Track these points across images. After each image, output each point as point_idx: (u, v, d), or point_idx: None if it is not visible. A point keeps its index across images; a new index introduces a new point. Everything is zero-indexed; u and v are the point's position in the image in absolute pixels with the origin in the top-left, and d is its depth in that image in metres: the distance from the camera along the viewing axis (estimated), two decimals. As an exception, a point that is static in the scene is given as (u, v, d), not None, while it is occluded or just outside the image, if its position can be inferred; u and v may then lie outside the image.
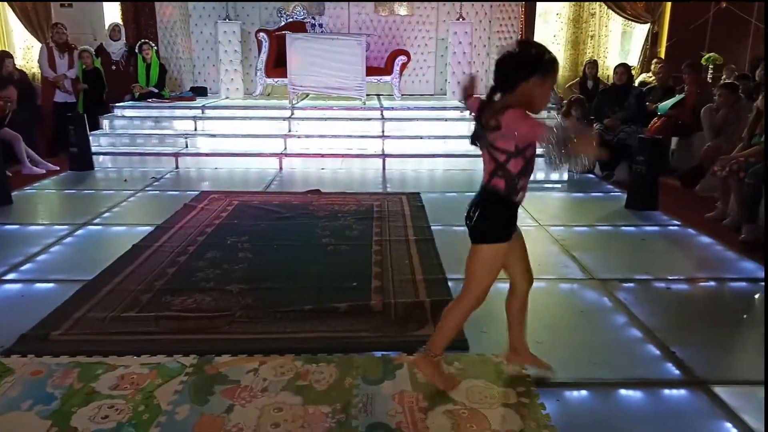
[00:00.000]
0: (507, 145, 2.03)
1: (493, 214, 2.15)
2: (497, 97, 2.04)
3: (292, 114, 7.33)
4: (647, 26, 8.75)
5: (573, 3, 8.94)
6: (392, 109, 7.55)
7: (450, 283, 3.30)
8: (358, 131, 7.07)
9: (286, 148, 6.80)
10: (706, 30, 8.82)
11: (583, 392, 2.33)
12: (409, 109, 7.57)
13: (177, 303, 3.02)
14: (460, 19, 7.97)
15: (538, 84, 1.99)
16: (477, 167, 6.56)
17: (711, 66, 7.65)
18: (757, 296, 3.31)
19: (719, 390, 2.32)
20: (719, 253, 3.97)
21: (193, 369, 2.39)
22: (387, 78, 8.31)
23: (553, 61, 2.02)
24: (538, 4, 9.06)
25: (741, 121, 5.14)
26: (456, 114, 7.46)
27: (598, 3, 8.79)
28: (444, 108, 7.60)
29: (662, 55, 8.65)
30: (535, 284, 3.37)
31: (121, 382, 2.29)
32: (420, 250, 3.89)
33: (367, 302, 3.04)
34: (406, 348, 2.58)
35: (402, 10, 8.74)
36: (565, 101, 7.43)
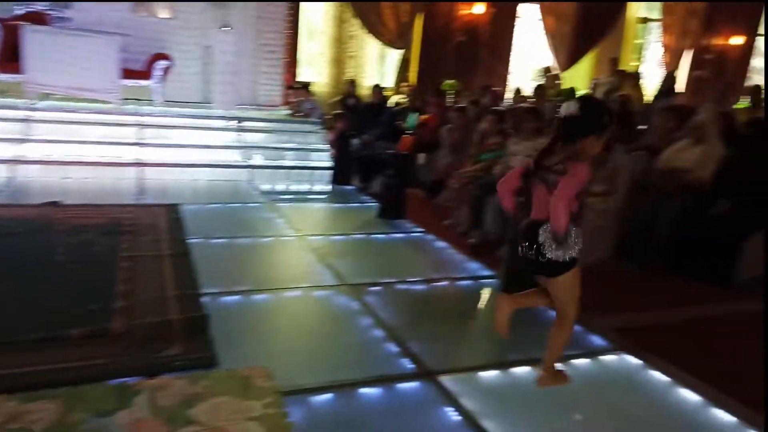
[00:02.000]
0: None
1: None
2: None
3: (31, 115, 6.44)
4: (401, 52, 9.61)
5: (335, 24, 9.41)
6: (152, 115, 7.09)
7: (206, 298, 3.21)
8: (111, 137, 6.48)
9: (21, 155, 5.93)
10: (448, 59, 10.01)
11: (329, 395, 2.44)
12: (171, 116, 7.19)
13: None
14: (227, 28, 7.83)
15: (595, 140, 2.23)
16: (241, 177, 6.61)
17: (451, 91, 8.69)
18: (484, 292, 3.80)
19: (444, 379, 2.62)
20: (452, 255, 4.51)
21: None
22: (147, 82, 7.78)
23: (609, 122, 2.27)
24: (301, 22, 9.33)
25: (471, 140, 5.91)
26: (221, 123, 7.31)
27: (356, 26, 9.38)
28: (209, 117, 7.39)
29: (413, 79, 9.57)
30: (290, 293, 3.48)
31: None
32: (175, 266, 3.70)
33: (107, 325, 2.79)
34: (149, 371, 2.44)
35: (162, 12, 8.27)
36: (327, 117, 7.77)
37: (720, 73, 11.93)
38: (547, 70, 10.39)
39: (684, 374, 2.76)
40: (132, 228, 4.37)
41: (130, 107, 7.25)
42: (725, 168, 4.52)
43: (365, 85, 8.42)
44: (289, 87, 8.75)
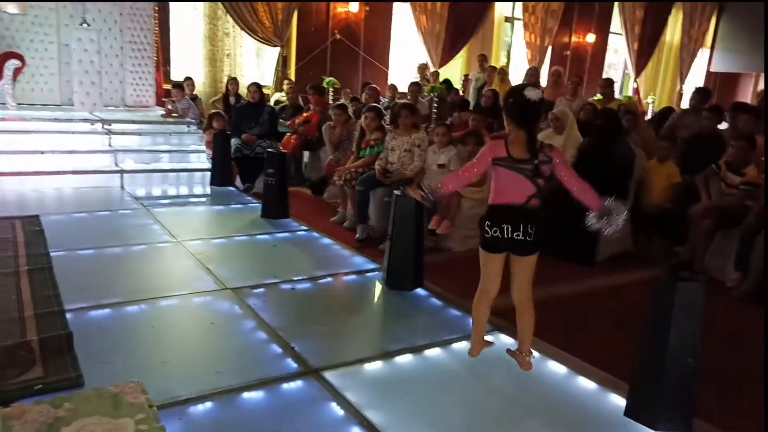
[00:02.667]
0: (546, 174, 2.49)
1: (541, 225, 2.52)
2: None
3: None
4: (278, 49, 9.45)
5: (208, 22, 9.07)
6: (3, 119, 6.45)
7: (69, 315, 2.97)
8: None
9: None
10: (327, 57, 10.03)
11: (208, 404, 2.35)
12: (26, 120, 6.59)
13: None
14: (84, 25, 7.30)
15: None
16: (112, 183, 6.20)
17: (331, 89, 8.70)
18: (377, 285, 3.84)
19: (328, 374, 2.62)
20: (337, 251, 4.52)
21: None
22: (-5, 84, 7.07)
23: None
24: (172, 18, 8.90)
25: (352, 136, 5.96)
26: (85, 126, 6.81)
27: (231, 23, 9.11)
28: (71, 120, 6.85)
29: (292, 77, 9.47)
30: (166, 302, 3.33)
31: None
32: (33, 282, 3.40)
33: (-49, 353, 2.51)
34: (4, 399, 2.23)
35: (11, 7, 7.53)
36: (203, 117, 7.49)
37: (577, 67, 12.98)
38: (423, 67, 10.71)
39: (552, 348, 2.97)
40: (-18, 244, 3.96)
41: (-23, 112, 6.57)
42: (582, 155, 4.91)
43: (243, 83, 8.20)
44: (164, 88, 8.34)
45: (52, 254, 3.87)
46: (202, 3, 9.09)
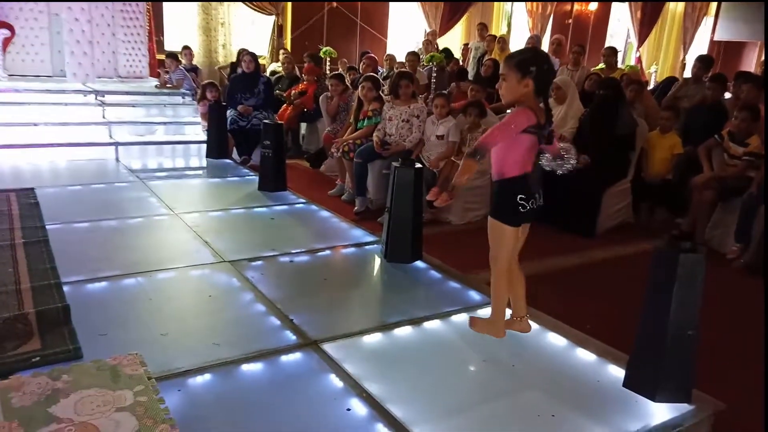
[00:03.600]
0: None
1: None
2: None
3: None
4: (273, 18, 9.28)
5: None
6: (-5, 91, 6.36)
7: (66, 288, 2.95)
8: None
9: None
10: (323, 26, 9.85)
11: (207, 376, 2.34)
12: (18, 91, 6.48)
13: None
14: (75, -8, 7.14)
15: None
16: (107, 156, 6.13)
17: (328, 58, 8.56)
18: (375, 258, 3.81)
19: (327, 346, 2.61)
20: (336, 224, 4.48)
21: None
22: (-15, 55, 6.95)
23: None
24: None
25: (349, 108, 5.88)
26: (78, 98, 6.71)
27: (226, -9, 8.95)
28: (63, 91, 6.74)
29: (288, 47, 9.31)
30: (163, 275, 3.31)
31: None
32: (29, 255, 3.37)
33: (-53, 326, 2.49)
34: (2, 371, 2.21)
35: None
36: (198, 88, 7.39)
37: (578, 36, 12.79)
38: (424, 36, 10.54)
39: (551, 320, 2.96)
40: (-23, 217, 3.93)
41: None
42: (584, 126, 4.85)
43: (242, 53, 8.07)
44: (158, 59, 8.19)
45: (47, 227, 3.83)
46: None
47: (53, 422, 1.96)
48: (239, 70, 7.71)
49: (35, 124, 6.04)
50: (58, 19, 7.45)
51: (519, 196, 2.41)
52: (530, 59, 2.38)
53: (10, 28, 7.10)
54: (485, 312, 2.89)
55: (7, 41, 7.05)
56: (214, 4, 8.91)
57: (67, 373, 2.24)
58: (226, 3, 8.92)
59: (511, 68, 2.37)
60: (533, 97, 2.37)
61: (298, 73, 7.77)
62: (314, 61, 7.34)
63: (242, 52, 7.93)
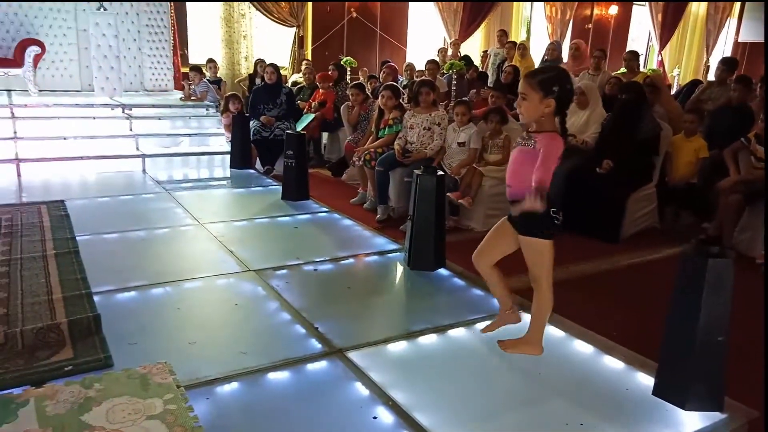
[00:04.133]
0: None
1: None
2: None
3: None
4: (294, 29, 9.39)
5: (224, 3, 9.03)
6: (26, 106, 6.53)
7: (96, 298, 3.01)
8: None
9: None
10: (343, 36, 9.94)
11: (234, 384, 2.37)
12: (48, 106, 6.66)
13: None
14: (101, 9, 7.32)
15: None
16: (134, 168, 6.25)
17: (349, 68, 8.63)
18: (398, 265, 3.83)
19: (352, 354, 2.63)
20: (359, 232, 4.51)
21: None
22: (18, 71, 7.16)
23: None
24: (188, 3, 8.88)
25: (370, 117, 5.91)
26: (106, 112, 6.87)
27: (247, 4, 9.05)
28: (91, 105, 6.90)
29: (309, 57, 9.41)
30: (190, 284, 3.36)
31: None
32: (60, 265, 3.45)
33: (-16, 336, 2.56)
34: (36, 380, 2.27)
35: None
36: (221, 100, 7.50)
37: (599, 41, 12.70)
38: (443, 44, 10.56)
39: (577, 327, 2.93)
40: (11, 229, 4.04)
41: (2, 99, 6.65)
42: (607, 131, 4.81)
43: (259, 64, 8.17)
44: (182, 71, 8.34)
45: (77, 238, 3.93)
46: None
47: (86, 430, 2.00)
48: (258, 81, 7.80)
49: (65, 138, 6.20)
50: (85, 35, 7.65)
51: (552, 210, 2.38)
52: (553, 78, 2.32)
53: (41, 45, 7.31)
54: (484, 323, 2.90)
55: (38, 58, 7.26)
56: (236, 16, 9.04)
57: (99, 381, 2.29)
58: (248, 16, 9.05)
59: (533, 87, 2.32)
60: (553, 116, 2.34)
61: (315, 82, 7.82)
62: (339, 70, 7.40)
63: (259, 63, 8.03)
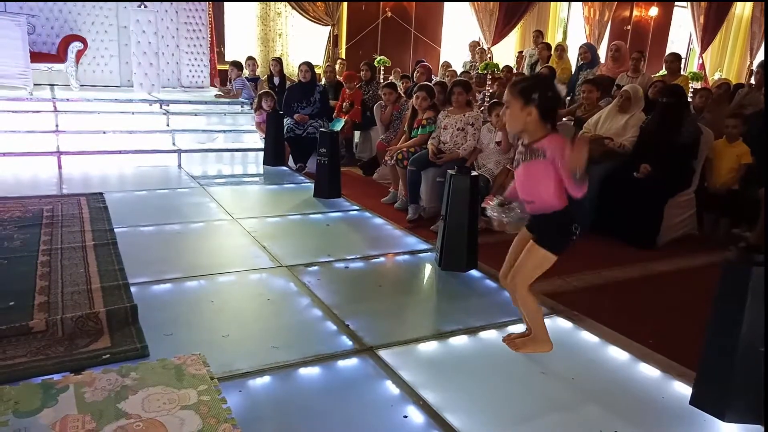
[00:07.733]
0: None
1: None
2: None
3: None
4: (329, 28, 9.44)
5: (260, 1, 9.13)
6: (68, 101, 6.70)
7: (133, 288, 3.08)
8: (25, 126, 6.10)
9: None
10: (377, 35, 9.95)
11: (266, 378, 2.39)
12: (89, 101, 6.82)
13: None
14: (142, 6, 7.46)
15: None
16: (170, 162, 6.37)
17: (382, 67, 8.64)
18: (429, 265, 3.83)
19: (383, 353, 2.63)
20: (390, 231, 4.51)
21: None
22: (61, 66, 7.35)
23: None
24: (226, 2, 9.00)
25: (402, 116, 5.91)
26: (144, 107, 7.00)
27: (283, 3, 9.13)
28: (130, 101, 7.05)
29: (343, 56, 9.45)
30: (223, 278, 3.40)
31: None
32: (99, 256, 3.53)
33: (26, 322, 2.63)
34: (75, 367, 2.33)
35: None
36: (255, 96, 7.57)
37: (638, 43, 12.45)
38: (476, 44, 10.49)
39: (612, 333, 2.88)
40: (53, 220, 4.15)
41: (45, 93, 6.84)
42: (646, 134, 4.71)
43: (294, 63, 8.24)
44: (218, 69, 8.45)
45: (115, 230, 4.02)
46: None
47: (122, 417, 2.04)
48: (275, 80, 7.83)
49: (104, 132, 6.34)
50: (126, 32, 7.81)
51: (574, 225, 2.40)
52: (533, 87, 2.35)
53: (83, 41, 7.49)
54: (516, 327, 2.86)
55: (80, 53, 7.44)
56: (272, 15, 9.13)
57: (135, 370, 2.33)
58: (284, 15, 9.13)
59: (514, 96, 2.36)
60: (540, 124, 2.35)
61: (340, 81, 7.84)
62: (370, 69, 7.40)
63: (273, 62, 8.07)
